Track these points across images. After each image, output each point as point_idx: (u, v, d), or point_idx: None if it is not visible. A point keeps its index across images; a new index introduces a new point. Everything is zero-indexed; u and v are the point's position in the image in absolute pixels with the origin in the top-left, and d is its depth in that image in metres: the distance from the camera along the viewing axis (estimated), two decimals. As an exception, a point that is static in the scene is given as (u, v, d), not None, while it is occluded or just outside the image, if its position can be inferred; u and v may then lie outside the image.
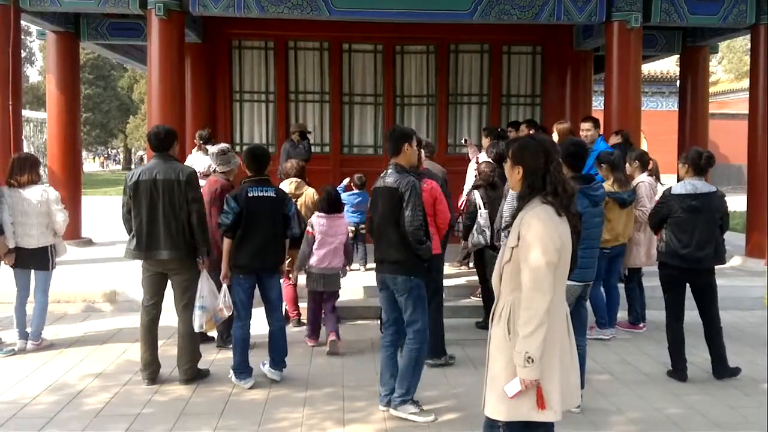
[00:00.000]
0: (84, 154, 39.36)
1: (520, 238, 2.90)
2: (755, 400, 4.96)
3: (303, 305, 6.79)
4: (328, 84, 11.02)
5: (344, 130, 11.13)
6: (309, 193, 6.72)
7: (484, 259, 6.37)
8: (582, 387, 4.32)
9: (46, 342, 6.09)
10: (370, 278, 7.63)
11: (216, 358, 5.78)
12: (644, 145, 17.74)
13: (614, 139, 7.80)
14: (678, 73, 12.82)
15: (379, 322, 6.24)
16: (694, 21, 8.88)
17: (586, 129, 7.44)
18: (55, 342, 6.20)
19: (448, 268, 7.42)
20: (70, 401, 4.84)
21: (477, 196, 6.42)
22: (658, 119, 23.85)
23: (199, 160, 7.61)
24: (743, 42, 36.64)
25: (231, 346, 5.39)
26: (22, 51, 9.77)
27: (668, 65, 24.65)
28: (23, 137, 9.42)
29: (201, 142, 8.35)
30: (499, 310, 3.03)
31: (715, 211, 5.27)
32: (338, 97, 11.03)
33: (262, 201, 5.11)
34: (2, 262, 5.93)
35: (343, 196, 8.04)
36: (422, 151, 5.76)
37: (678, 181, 5.51)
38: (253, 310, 5.31)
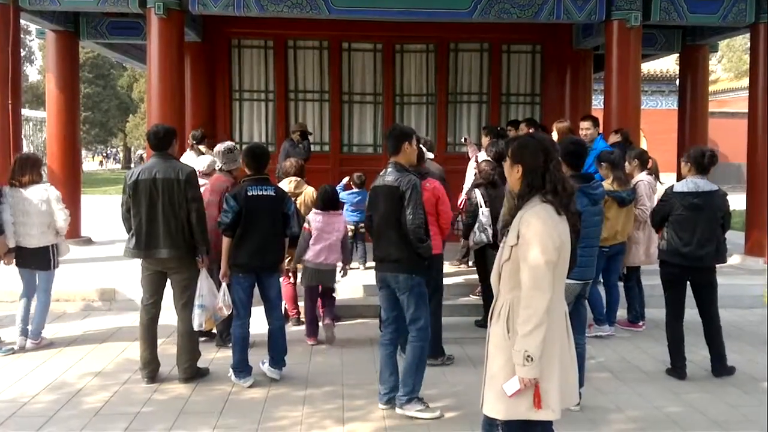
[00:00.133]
0: (83, 153, 39.30)
1: (520, 237, 2.90)
2: (755, 399, 4.96)
3: (302, 304, 6.79)
4: (328, 83, 11.02)
5: (344, 129, 11.13)
6: (308, 192, 6.72)
7: (485, 257, 6.37)
8: (581, 385, 4.35)
9: (45, 341, 6.09)
10: (370, 277, 7.62)
11: (215, 356, 5.79)
12: (644, 144, 17.75)
13: (614, 138, 7.81)
14: (677, 72, 12.83)
15: (379, 321, 6.28)
16: (694, 20, 8.88)
17: (585, 128, 7.43)
18: (55, 341, 6.20)
19: (447, 267, 7.42)
20: (70, 400, 4.84)
21: (478, 194, 6.43)
22: (658, 118, 23.85)
23: (190, 160, 7.58)
24: (743, 41, 36.66)
25: (230, 344, 5.39)
26: (21, 50, 9.76)
27: (668, 64, 24.65)
28: (23, 136, 9.43)
29: (194, 142, 8.34)
30: (498, 309, 3.03)
31: (717, 210, 5.27)
32: (338, 96, 11.03)
33: (261, 200, 5.11)
34: (2, 261, 5.93)
35: (343, 195, 8.05)
36: (425, 150, 5.77)
37: (678, 180, 5.51)
38: (252, 308, 5.31)
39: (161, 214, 4.99)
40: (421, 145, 5.92)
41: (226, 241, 5.16)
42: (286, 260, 5.85)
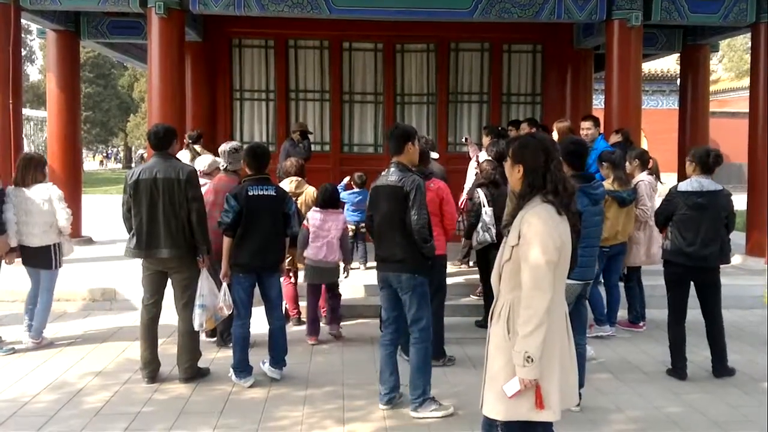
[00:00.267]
0: (84, 152, 39.35)
1: (521, 237, 2.89)
2: (755, 399, 4.96)
3: (303, 304, 6.80)
4: (329, 82, 11.02)
5: (344, 128, 11.13)
6: (309, 192, 6.73)
7: (488, 257, 6.37)
8: (582, 386, 4.35)
9: (46, 340, 6.10)
10: (371, 277, 7.63)
11: (216, 356, 5.79)
12: (644, 144, 17.73)
13: (614, 138, 7.80)
14: (678, 72, 12.81)
15: (379, 320, 6.28)
16: (695, 19, 8.87)
17: (586, 128, 7.43)
18: (55, 340, 6.21)
19: (448, 267, 7.41)
20: (70, 400, 4.84)
21: (481, 194, 6.43)
22: (659, 118, 23.81)
23: (184, 159, 7.56)
24: (744, 40, 36.63)
25: (231, 344, 5.39)
26: (22, 49, 9.77)
27: (669, 64, 24.61)
28: (23, 136, 9.43)
29: (190, 141, 8.33)
30: (498, 309, 3.03)
31: (721, 210, 5.25)
32: (338, 95, 11.03)
33: (262, 199, 5.11)
34: (3, 261, 5.94)
35: (344, 194, 8.04)
36: (430, 150, 5.77)
37: (679, 180, 5.51)
38: (253, 308, 5.32)
39: (162, 213, 4.99)
40: (424, 146, 5.93)
41: (226, 241, 5.16)
42: (287, 260, 5.85)
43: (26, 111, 19.25)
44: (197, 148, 8.40)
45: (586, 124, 7.50)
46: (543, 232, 2.84)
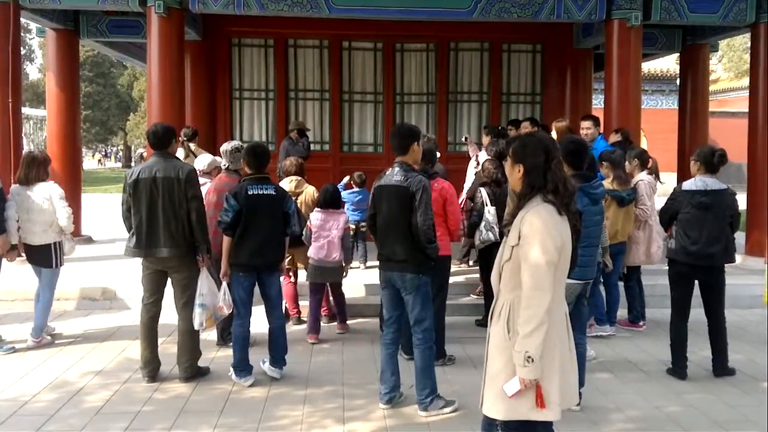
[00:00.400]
0: (83, 151, 39.34)
1: (521, 237, 2.89)
2: (755, 399, 4.96)
3: (303, 303, 6.81)
4: (328, 82, 11.03)
5: (344, 128, 11.14)
6: (309, 191, 6.73)
7: (491, 256, 6.36)
8: (582, 385, 4.35)
9: (46, 339, 6.09)
10: (371, 276, 7.64)
11: (216, 355, 5.79)
12: (644, 144, 17.74)
13: (614, 138, 7.80)
14: (678, 72, 12.82)
15: (379, 320, 6.28)
16: (694, 19, 8.88)
17: (585, 127, 7.44)
18: (56, 339, 6.20)
19: (448, 266, 7.42)
20: (71, 399, 4.84)
21: (483, 193, 6.44)
22: (658, 117, 23.81)
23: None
24: (743, 40, 36.62)
25: (231, 344, 5.39)
26: (21, 48, 9.76)
27: (668, 63, 24.62)
28: (23, 134, 9.43)
29: (185, 139, 8.34)
30: (498, 309, 3.03)
31: (726, 209, 5.24)
32: (338, 95, 11.04)
33: (262, 199, 5.11)
34: (4, 258, 5.95)
35: (344, 194, 8.03)
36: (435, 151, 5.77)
37: (679, 179, 5.50)
38: (253, 308, 5.32)
39: (161, 213, 4.99)
40: (432, 146, 5.94)
41: (226, 240, 5.16)
42: (287, 259, 5.86)
43: (26, 110, 19.23)
44: (191, 146, 8.40)
45: (585, 124, 7.51)
46: (543, 231, 2.84)
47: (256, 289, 5.30)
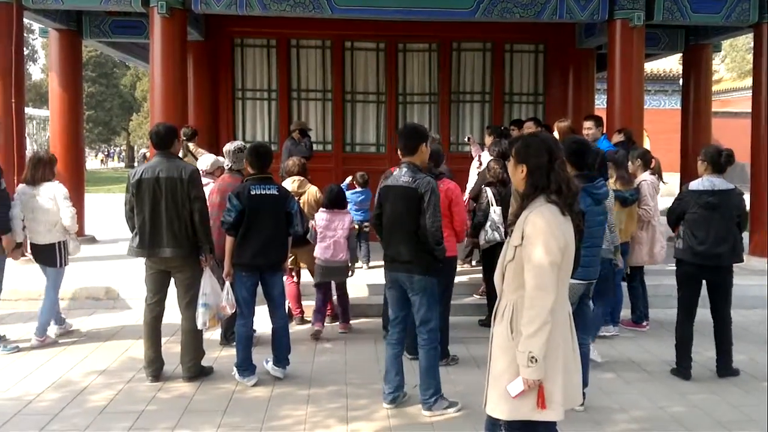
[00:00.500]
0: (86, 151, 39.38)
1: (524, 237, 2.89)
2: (758, 399, 4.95)
3: (306, 303, 6.82)
4: (331, 82, 11.03)
5: (346, 128, 11.13)
6: (311, 191, 6.73)
7: (493, 256, 6.36)
8: (585, 385, 4.35)
9: (50, 339, 6.11)
10: (374, 276, 7.65)
11: (219, 355, 5.80)
12: (647, 144, 17.72)
13: (617, 138, 7.79)
14: (681, 72, 12.82)
15: (382, 320, 6.28)
16: (697, 19, 8.87)
17: (587, 128, 7.44)
18: (59, 339, 6.22)
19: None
20: (74, 398, 4.85)
21: (489, 193, 6.44)
22: (661, 118, 23.78)
23: None
24: (746, 40, 36.55)
25: (234, 343, 5.39)
26: (24, 48, 9.77)
27: (671, 63, 24.58)
28: (26, 135, 9.44)
29: (183, 138, 8.35)
30: (501, 309, 3.03)
31: (733, 209, 5.23)
32: (340, 95, 11.03)
33: (264, 199, 5.11)
34: (9, 258, 5.99)
35: (346, 194, 8.04)
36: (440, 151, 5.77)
37: (681, 180, 5.50)
38: (256, 307, 5.32)
39: (164, 213, 5.00)
40: (439, 147, 5.94)
41: (229, 240, 5.17)
42: (290, 259, 5.87)
43: (29, 110, 19.28)
44: (191, 145, 8.40)
45: (587, 124, 7.51)
46: (546, 232, 2.84)
47: (259, 289, 5.30)
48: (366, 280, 7.63)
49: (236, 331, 5.26)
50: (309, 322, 6.62)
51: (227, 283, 5.22)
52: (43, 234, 6.00)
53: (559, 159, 3.00)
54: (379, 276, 7.12)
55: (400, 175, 4.56)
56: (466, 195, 7.76)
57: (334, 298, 6.74)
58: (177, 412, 4.60)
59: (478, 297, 7.42)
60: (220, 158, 6.33)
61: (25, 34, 12.31)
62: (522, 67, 11.24)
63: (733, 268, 5.38)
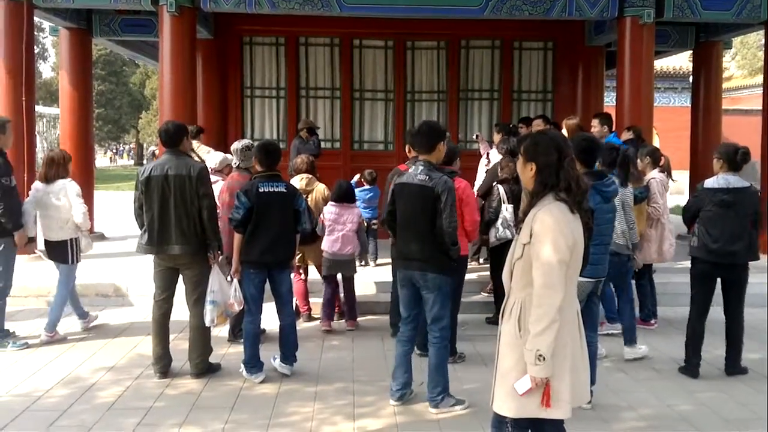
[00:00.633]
0: (95, 148, 39.60)
1: (532, 235, 2.88)
2: (766, 397, 4.93)
3: (313, 300, 6.83)
4: (339, 80, 11.03)
5: (355, 126, 11.14)
6: (320, 189, 6.74)
7: (502, 254, 6.34)
8: (593, 383, 4.33)
9: (59, 335, 6.14)
10: (381, 273, 7.65)
11: (227, 352, 5.82)
12: (656, 142, 17.64)
13: (626, 135, 7.76)
14: (691, 69, 12.75)
15: (389, 317, 6.29)
16: (708, 16, 8.81)
17: (593, 125, 7.44)
18: (68, 335, 6.25)
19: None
20: (83, 394, 4.88)
21: (501, 190, 6.42)
22: (671, 115, 23.67)
23: None
24: (757, 37, 36.30)
25: (242, 340, 5.41)
26: (35, 47, 9.83)
27: (681, 61, 24.46)
28: (36, 132, 9.50)
29: None
30: (509, 307, 3.02)
31: (748, 207, 5.20)
32: (349, 92, 11.04)
33: (272, 196, 5.12)
34: (19, 255, 6.06)
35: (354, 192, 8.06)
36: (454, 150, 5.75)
37: (690, 177, 5.47)
38: (263, 305, 5.34)
39: (173, 210, 5.02)
40: (454, 145, 5.92)
41: (237, 238, 5.18)
42: (297, 256, 5.88)
43: (39, 108, 19.37)
44: (195, 143, 8.41)
45: (593, 122, 7.52)
46: (555, 230, 2.83)
47: (267, 286, 5.31)
48: (373, 277, 7.63)
49: (244, 328, 5.28)
50: (316, 319, 6.64)
51: (235, 280, 5.24)
52: (56, 231, 6.07)
53: (569, 157, 2.98)
54: (386, 273, 7.13)
55: (416, 173, 4.53)
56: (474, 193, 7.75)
57: (341, 295, 6.75)
58: (185, 409, 4.62)
59: (486, 295, 7.41)
60: (229, 156, 6.35)
61: (35, 33, 12.38)
62: (531, 64, 11.21)
63: (748, 266, 5.35)
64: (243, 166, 5.95)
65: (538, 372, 2.81)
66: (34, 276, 7.42)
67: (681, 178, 11.42)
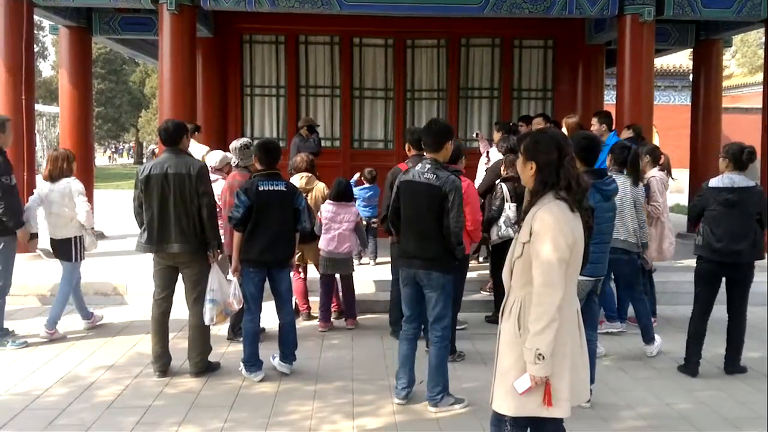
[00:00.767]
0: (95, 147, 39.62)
1: (532, 234, 2.88)
2: (765, 396, 4.93)
3: (313, 299, 6.82)
4: (339, 78, 11.02)
5: (354, 124, 11.13)
6: (320, 188, 6.74)
7: (502, 252, 6.32)
8: (592, 382, 4.32)
9: (58, 333, 6.14)
10: (381, 272, 7.65)
11: (226, 350, 5.81)
12: (656, 140, 17.63)
13: (626, 134, 7.74)
14: (691, 67, 12.74)
15: (389, 316, 6.29)
16: (708, 14, 8.81)
17: (593, 124, 7.44)
18: (67, 334, 6.25)
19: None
20: (82, 393, 4.88)
21: (504, 189, 6.41)
22: (671, 113, 23.68)
23: None
24: (757, 35, 36.28)
25: (241, 339, 5.41)
26: (35, 46, 9.82)
27: (681, 59, 24.45)
28: (36, 131, 9.50)
29: None
30: (509, 306, 3.02)
31: (753, 206, 5.19)
32: (349, 91, 11.03)
33: (272, 195, 5.12)
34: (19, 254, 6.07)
35: (354, 190, 8.04)
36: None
37: (690, 176, 5.47)
38: (263, 303, 5.34)
39: (173, 208, 5.01)
40: (459, 144, 5.91)
41: (237, 236, 5.18)
42: (297, 255, 5.88)
43: (39, 107, 19.38)
44: (192, 141, 8.39)
45: (593, 120, 7.52)
46: (555, 229, 2.83)
47: (267, 285, 5.31)
48: (373, 276, 7.62)
49: (243, 326, 5.28)
50: (315, 318, 6.63)
51: (234, 279, 5.24)
52: (60, 229, 6.11)
53: (569, 155, 2.98)
54: (386, 272, 7.12)
55: (422, 171, 4.51)
56: (474, 191, 7.74)
57: (340, 294, 6.75)
58: (184, 407, 4.62)
59: (486, 293, 7.41)
60: (228, 154, 6.35)
61: (35, 31, 12.38)
62: (531, 62, 11.19)
63: (753, 265, 5.34)
64: (242, 164, 5.95)
65: (538, 371, 2.80)
66: (34, 275, 7.42)
67: (681, 176, 11.41)
